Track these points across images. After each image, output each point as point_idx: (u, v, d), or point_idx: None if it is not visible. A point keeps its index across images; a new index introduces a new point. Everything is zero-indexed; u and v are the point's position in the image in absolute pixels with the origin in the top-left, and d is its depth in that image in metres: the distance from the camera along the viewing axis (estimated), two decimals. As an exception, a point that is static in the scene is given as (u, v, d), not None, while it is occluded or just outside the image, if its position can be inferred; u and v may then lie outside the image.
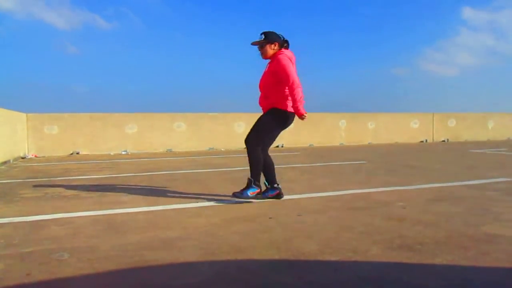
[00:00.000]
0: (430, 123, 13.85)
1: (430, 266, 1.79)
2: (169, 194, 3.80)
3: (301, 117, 3.36)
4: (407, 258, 1.88)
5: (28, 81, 24.49)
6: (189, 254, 2.01)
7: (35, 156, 9.24)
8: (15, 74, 24.43)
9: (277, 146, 10.83)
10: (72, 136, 9.85)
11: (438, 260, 1.85)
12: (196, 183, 4.57)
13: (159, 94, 26.19)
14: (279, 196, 3.45)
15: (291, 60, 3.39)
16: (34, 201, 3.57)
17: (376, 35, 29.73)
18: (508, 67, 28.58)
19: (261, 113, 3.51)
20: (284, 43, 3.46)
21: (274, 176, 3.49)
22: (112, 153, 9.84)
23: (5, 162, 7.28)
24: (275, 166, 3.54)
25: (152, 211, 3.05)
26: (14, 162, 7.71)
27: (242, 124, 11.20)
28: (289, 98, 3.37)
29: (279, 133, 3.51)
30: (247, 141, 3.41)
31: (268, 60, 3.49)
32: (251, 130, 3.42)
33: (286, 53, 3.40)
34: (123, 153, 9.98)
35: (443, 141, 13.74)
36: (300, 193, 3.68)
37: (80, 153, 9.80)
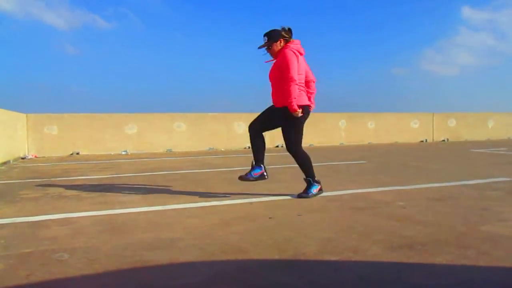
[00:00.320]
0: (430, 123, 13.85)
1: (430, 265, 1.79)
2: (169, 194, 3.80)
3: (294, 113, 3.37)
4: (407, 258, 1.88)
5: (28, 81, 24.49)
6: (189, 254, 2.01)
7: (35, 157, 9.24)
8: (15, 74, 24.43)
9: (277, 146, 10.83)
10: (72, 136, 9.85)
11: (438, 260, 1.85)
12: (196, 183, 4.57)
13: (159, 94, 26.17)
14: (262, 176, 3.53)
15: (299, 53, 3.43)
16: (34, 201, 3.57)
17: (376, 35, 29.72)
18: (508, 66, 28.57)
19: (268, 107, 3.58)
20: (287, 35, 3.48)
21: (263, 156, 3.59)
22: (112, 153, 9.84)
23: (5, 163, 7.28)
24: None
25: (152, 211, 3.05)
26: (14, 163, 7.71)
27: (242, 124, 11.20)
28: (302, 90, 3.45)
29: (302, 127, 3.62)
30: (291, 151, 3.53)
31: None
32: (287, 138, 3.52)
33: (293, 46, 3.42)
34: (123, 153, 9.98)
35: (443, 140, 13.74)
36: (300, 193, 3.67)
37: (80, 153, 9.80)
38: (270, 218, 2.76)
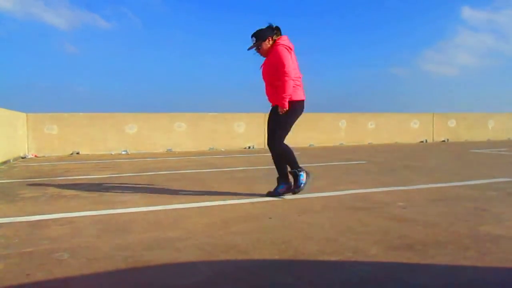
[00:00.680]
0: (430, 123, 13.85)
1: (430, 266, 1.79)
2: (169, 194, 3.80)
3: (282, 110, 3.37)
4: (407, 258, 1.88)
5: (28, 81, 24.49)
6: (189, 254, 2.01)
7: (35, 156, 9.24)
8: (14, 74, 24.43)
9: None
10: (72, 136, 9.85)
11: (438, 260, 1.85)
12: (196, 183, 4.57)
13: (159, 94, 26.16)
14: (308, 176, 3.50)
15: (290, 49, 3.43)
16: (34, 201, 3.57)
17: (376, 35, 29.71)
18: (508, 67, 28.56)
19: (269, 110, 3.58)
20: (275, 32, 3.48)
21: (286, 168, 3.56)
22: (113, 153, 9.84)
23: (5, 162, 7.28)
24: (275, 166, 3.57)
25: (152, 211, 3.05)
26: (14, 162, 7.71)
27: (242, 124, 11.20)
28: (298, 86, 3.45)
29: (294, 123, 3.58)
30: (271, 145, 3.48)
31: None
32: (271, 133, 3.48)
33: (284, 42, 3.43)
34: (123, 153, 9.99)
35: (443, 141, 13.74)
36: (300, 193, 3.67)
37: (80, 153, 9.81)
38: (270, 218, 2.76)
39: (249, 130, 11.21)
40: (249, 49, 3.53)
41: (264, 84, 3.59)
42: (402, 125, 13.44)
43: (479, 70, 29.43)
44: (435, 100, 27.79)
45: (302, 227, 2.51)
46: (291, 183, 3.55)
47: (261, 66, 3.57)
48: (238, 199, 3.46)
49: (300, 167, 3.45)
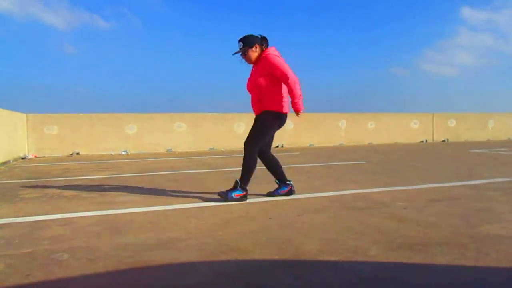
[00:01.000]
0: (430, 123, 13.85)
1: (430, 266, 1.79)
2: (169, 194, 3.80)
3: (299, 113, 3.39)
4: (407, 258, 1.88)
5: (28, 81, 24.50)
6: (189, 254, 2.01)
7: (35, 157, 9.24)
8: (15, 74, 24.43)
9: (277, 146, 10.83)
10: (72, 137, 9.85)
11: (438, 260, 1.85)
12: (196, 183, 4.57)
13: (159, 94, 26.18)
14: (291, 192, 3.56)
15: (280, 57, 3.42)
16: (34, 201, 3.57)
17: (376, 35, 29.74)
18: (508, 66, 28.56)
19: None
20: (263, 42, 3.46)
21: (283, 173, 3.61)
22: (113, 153, 9.84)
23: (5, 163, 7.28)
24: (270, 172, 3.60)
25: (152, 211, 3.05)
26: (14, 163, 7.71)
27: (242, 125, 11.20)
28: (284, 98, 3.41)
29: (274, 133, 3.58)
30: (246, 145, 3.45)
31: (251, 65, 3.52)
32: (250, 134, 3.46)
33: (272, 51, 3.41)
34: (123, 153, 9.99)
35: (443, 141, 13.74)
36: (300, 193, 3.68)
37: (80, 153, 9.81)
38: (270, 218, 2.76)
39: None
40: (234, 54, 3.47)
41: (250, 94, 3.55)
42: (402, 125, 13.44)
43: (479, 70, 29.46)
44: (435, 100, 27.84)
45: (302, 227, 2.51)
46: (291, 184, 3.57)
47: (248, 79, 3.53)
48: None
49: (244, 188, 3.39)
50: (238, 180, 3.39)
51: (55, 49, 26.25)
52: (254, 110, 3.54)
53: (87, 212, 3.03)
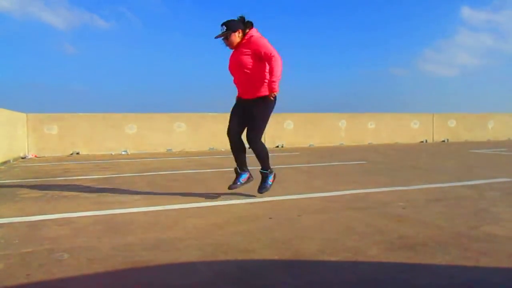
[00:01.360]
0: (430, 123, 13.85)
1: (430, 266, 1.79)
2: (169, 194, 3.80)
3: (272, 95, 3.32)
4: (407, 259, 1.88)
5: (27, 81, 24.49)
6: (189, 254, 2.01)
7: (35, 156, 9.24)
8: (14, 74, 24.43)
9: (277, 146, 10.81)
10: (72, 136, 9.85)
11: (438, 261, 1.85)
12: (196, 183, 4.57)
13: (159, 94, 26.15)
14: (250, 179, 3.55)
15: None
16: (34, 201, 3.57)
17: (376, 35, 29.70)
18: (508, 67, 28.56)
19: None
20: (247, 26, 3.44)
21: (245, 160, 3.59)
22: (113, 153, 9.84)
23: (5, 162, 7.28)
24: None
25: (152, 211, 3.05)
26: (14, 162, 7.71)
27: (242, 124, 11.19)
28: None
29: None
30: (254, 141, 3.42)
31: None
32: (256, 128, 3.42)
33: (255, 33, 3.41)
34: (123, 153, 9.99)
35: (443, 141, 13.74)
36: (300, 194, 3.68)
37: (80, 153, 9.81)
38: (270, 218, 2.76)
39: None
40: (216, 37, 3.42)
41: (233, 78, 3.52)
42: (402, 125, 13.44)
43: (479, 70, 29.44)
44: (435, 100, 27.81)
45: (302, 227, 2.51)
46: (249, 171, 3.57)
47: (230, 57, 3.48)
48: (238, 199, 3.46)
49: (271, 168, 3.49)
50: (262, 170, 3.48)
51: (54, 49, 26.24)
52: (244, 92, 3.46)
53: (87, 212, 3.03)
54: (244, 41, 3.39)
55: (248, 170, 3.58)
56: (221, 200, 3.42)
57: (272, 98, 3.34)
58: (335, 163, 6.68)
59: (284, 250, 2.06)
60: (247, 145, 3.47)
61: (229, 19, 3.41)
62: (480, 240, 2.16)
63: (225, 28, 3.38)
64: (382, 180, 4.59)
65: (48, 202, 3.49)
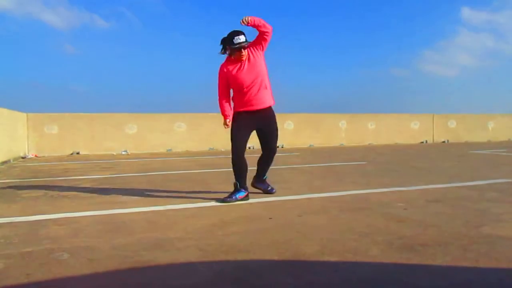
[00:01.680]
0: (430, 124, 13.85)
1: (430, 267, 1.79)
2: (169, 194, 3.80)
3: (246, 20, 3.19)
4: (407, 259, 1.88)
5: (27, 81, 24.48)
6: (189, 255, 2.01)
7: (35, 156, 9.24)
8: (14, 74, 24.41)
9: (277, 147, 10.80)
10: (72, 136, 9.85)
11: (438, 261, 1.85)
12: (196, 183, 4.57)
13: (159, 94, 26.13)
14: (245, 198, 3.41)
15: None
16: (34, 201, 3.57)
17: (376, 36, 29.67)
18: (508, 67, 28.53)
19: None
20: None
21: (246, 177, 3.50)
22: (114, 153, 9.85)
23: (5, 162, 7.28)
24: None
25: (152, 211, 3.05)
26: (14, 162, 7.71)
27: (242, 125, 11.19)
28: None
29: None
30: (275, 151, 3.67)
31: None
32: (275, 140, 3.64)
33: None
34: (123, 153, 9.99)
35: (444, 142, 13.74)
36: (300, 194, 3.68)
37: (80, 153, 9.81)
38: (270, 218, 2.76)
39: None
40: (239, 45, 3.25)
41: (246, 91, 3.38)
42: (402, 126, 13.44)
43: (479, 70, 29.41)
44: (435, 100, 27.79)
45: (302, 228, 2.51)
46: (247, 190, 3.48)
47: (237, 72, 3.34)
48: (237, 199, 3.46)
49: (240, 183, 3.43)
50: (264, 177, 3.71)
51: (54, 49, 26.21)
52: (259, 102, 3.40)
53: (87, 212, 3.03)
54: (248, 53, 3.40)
55: (247, 189, 3.46)
56: (220, 200, 3.41)
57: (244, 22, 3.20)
58: (335, 164, 6.68)
59: (284, 250, 2.06)
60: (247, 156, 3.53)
61: (237, 30, 3.30)
62: (480, 241, 2.16)
63: (245, 38, 3.28)
64: (382, 180, 4.58)
65: (48, 202, 3.49)
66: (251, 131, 3.51)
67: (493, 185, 4.12)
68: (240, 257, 1.97)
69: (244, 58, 3.33)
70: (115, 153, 9.90)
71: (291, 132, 11.42)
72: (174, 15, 28.64)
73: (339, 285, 1.61)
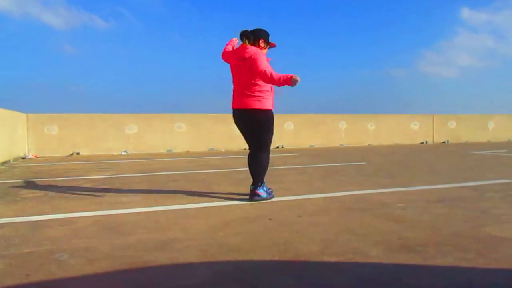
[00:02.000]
0: (430, 125, 13.85)
1: (430, 267, 1.79)
2: (169, 195, 3.80)
3: (296, 82, 3.21)
4: (407, 260, 1.88)
5: (27, 81, 24.48)
6: (189, 255, 2.01)
7: (35, 156, 9.24)
8: (14, 74, 24.42)
9: (277, 147, 10.81)
10: (72, 136, 9.85)
11: (438, 262, 1.85)
12: (196, 183, 4.57)
13: (159, 94, 26.13)
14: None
15: None
16: (34, 201, 3.57)
17: (375, 36, 29.68)
18: (508, 68, 28.55)
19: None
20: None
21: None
22: (114, 154, 9.84)
23: (5, 162, 7.28)
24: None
25: (152, 212, 3.05)
26: (14, 162, 7.71)
27: (242, 125, 11.19)
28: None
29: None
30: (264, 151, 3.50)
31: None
32: (263, 140, 3.48)
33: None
34: (123, 153, 9.99)
35: (444, 142, 13.74)
36: (300, 194, 3.68)
37: (80, 153, 9.81)
38: (270, 219, 2.76)
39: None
40: (273, 44, 3.54)
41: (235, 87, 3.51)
42: (402, 127, 13.44)
43: (478, 71, 29.43)
44: (435, 101, 27.80)
45: (302, 228, 2.51)
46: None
47: (235, 67, 3.48)
48: (238, 200, 3.46)
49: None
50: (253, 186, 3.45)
51: (54, 49, 26.21)
52: (238, 103, 3.50)
53: (87, 212, 3.03)
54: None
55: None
56: (221, 201, 3.42)
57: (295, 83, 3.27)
58: (335, 164, 6.68)
59: (284, 250, 2.06)
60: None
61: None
62: (480, 241, 2.16)
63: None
64: (382, 181, 4.59)
65: (48, 202, 3.49)
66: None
67: (493, 185, 4.12)
68: (241, 257, 1.97)
69: (245, 55, 3.39)
70: (115, 154, 9.90)
71: (290, 132, 11.41)
72: (174, 15, 28.66)
73: (339, 286, 1.61)
